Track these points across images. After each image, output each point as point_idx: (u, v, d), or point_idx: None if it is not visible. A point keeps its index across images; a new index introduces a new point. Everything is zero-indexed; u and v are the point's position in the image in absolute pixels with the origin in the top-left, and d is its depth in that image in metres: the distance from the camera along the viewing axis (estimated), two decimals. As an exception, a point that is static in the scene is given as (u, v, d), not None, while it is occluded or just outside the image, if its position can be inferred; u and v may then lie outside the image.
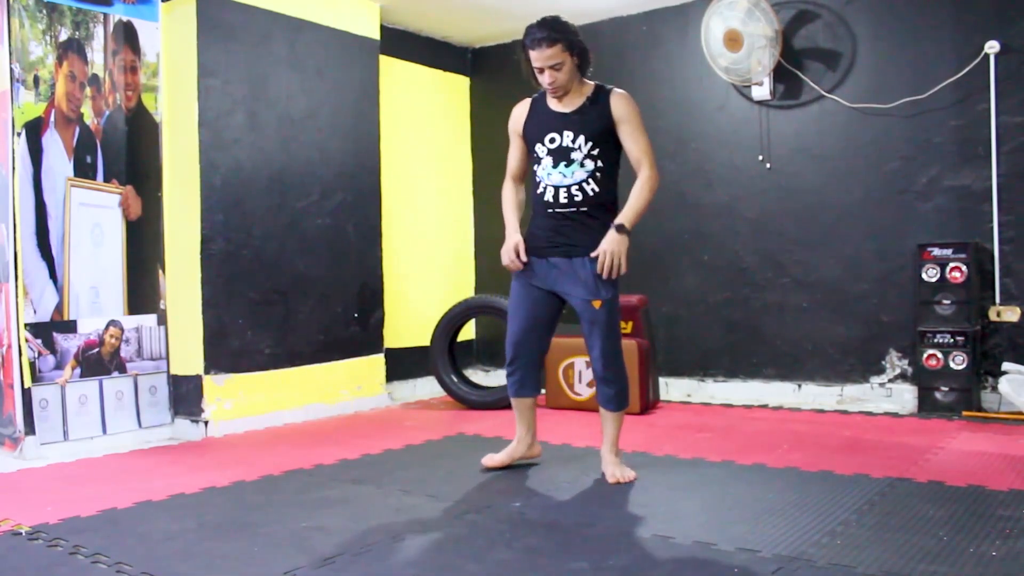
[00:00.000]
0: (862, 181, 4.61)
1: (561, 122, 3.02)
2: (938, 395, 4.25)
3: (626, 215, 2.95)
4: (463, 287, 6.00)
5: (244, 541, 2.46)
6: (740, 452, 3.49)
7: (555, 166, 3.00)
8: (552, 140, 3.02)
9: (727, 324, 5.04)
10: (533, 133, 3.09)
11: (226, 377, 4.27)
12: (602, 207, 3.01)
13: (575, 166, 2.98)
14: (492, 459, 3.27)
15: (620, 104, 3.00)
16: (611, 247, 2.92)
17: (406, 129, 5.57)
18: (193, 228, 4.20)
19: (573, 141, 2.99)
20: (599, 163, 2.99)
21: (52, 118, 3.87)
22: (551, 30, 2.92)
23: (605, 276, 2.93)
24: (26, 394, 3.74)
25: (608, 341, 3.01)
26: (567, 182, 2.99)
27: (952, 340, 4.21)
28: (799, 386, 4.81)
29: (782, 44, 4.70)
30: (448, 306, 5.16)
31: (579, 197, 2.98)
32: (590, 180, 2.98)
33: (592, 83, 3.08)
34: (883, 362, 4.56)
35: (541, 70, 2.97)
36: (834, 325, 4.70)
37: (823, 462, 3.26)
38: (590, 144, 2.98)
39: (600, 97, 3.02)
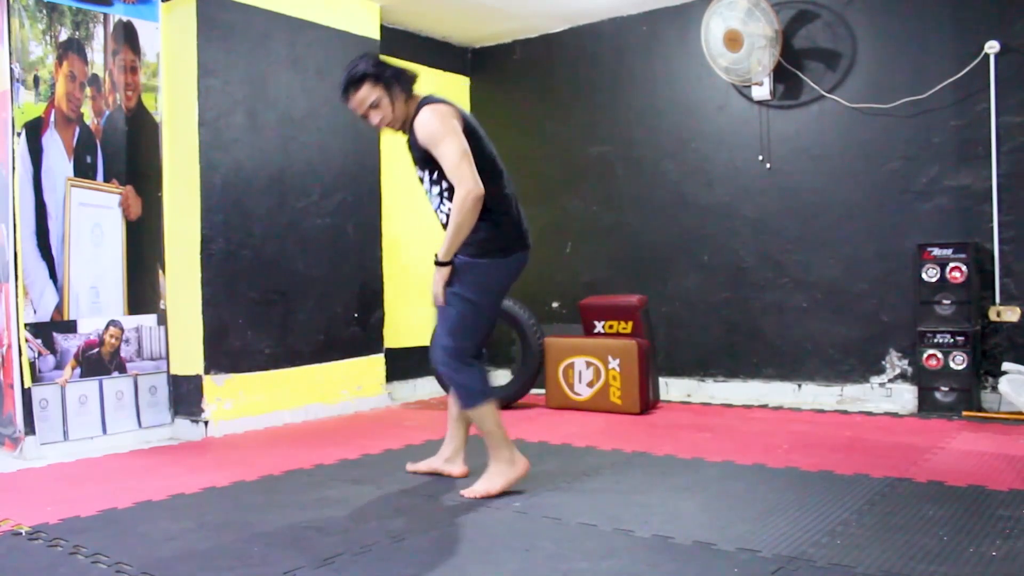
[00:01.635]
0: (862, 181, 4.61)
1: (410, 151, 2.99)
2: (938, 395, 4.25)
3: (442, 247, 2.81)
4: (463, 287, 5.99)
5: (244, 541, 2.46)
6: (740, 452, 3.49)
7: (427, 193, 2.99)
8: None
9: (727, 324, 5.04)
10: None
11: (226, 377, 4.27)
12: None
13: (431, 194, 2.94)
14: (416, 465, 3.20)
15: (418, 130, 2.82)
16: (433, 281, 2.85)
17: (406, 129, 5.56)
18: (193, 228, 4.20)
19: (420, 169, 2.95)
20: (444, 183, 2.85)
21: (52, 118, 3.87)
22: (350, 75, 2.87)
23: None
24: (26, 394, 3.74)
25: (444, 335, 2.90)
26: (435, 207, 2.96)
27: (952, 340, 4.21)
28: (799, 386, 4.81)
29: (782, 44, 4.70)
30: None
31: (444, 220, 2.91)
32: (444, 203, 2.89)
33: (417, 100, 2.91)
34: (883, 362, 4.56)
35: (364, 116, 2.90)
36: (834, 325, 4.70)
37: (823, 462, 3.26)
38: (426, 170, 2.90)
39: (413, 121, 2.88)
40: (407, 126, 2.91)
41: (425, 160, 2.86)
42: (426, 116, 2.80)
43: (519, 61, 5.91)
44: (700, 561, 2.20)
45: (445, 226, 2.86)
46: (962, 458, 3.28)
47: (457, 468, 3.18)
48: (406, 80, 2.89)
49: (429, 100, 2.88)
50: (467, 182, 2.71)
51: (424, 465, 3.24)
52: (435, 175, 2.86)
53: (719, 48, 4.70)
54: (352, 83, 2.86)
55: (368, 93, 2.85)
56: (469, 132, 2.85)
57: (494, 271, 2.88)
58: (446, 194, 2.86)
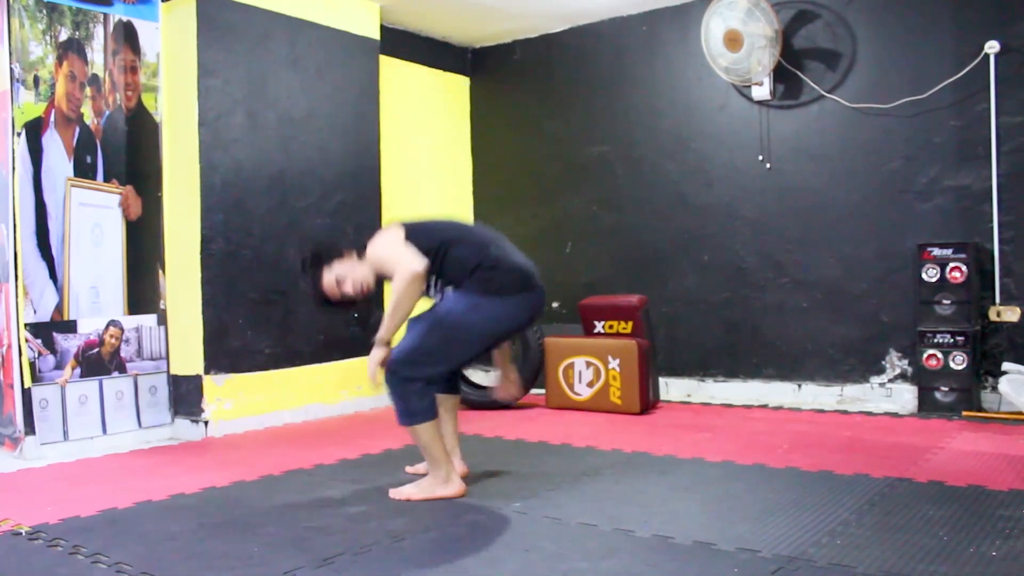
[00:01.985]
0: (862, 181, 4.61)
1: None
2: (938, 395, 4.25)
3: (382, 326, 2.86)
4: (463, 287, 5.99)
5: (244, 541, 2.46)
6: (740, 452, 3.49)
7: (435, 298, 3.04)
8: None
9: (727, 324, 5.04)
10: None
11: (226, 377, 4.27)
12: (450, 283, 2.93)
13: (434, 291, 2.99)
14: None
15: (370, 262, 2.93)
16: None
17: (406, 129, 5.56)
18: (193, 228, 4.20)
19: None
20: (435, 279, 2.92)
21: (52, 118, 3.87)
22: (310, 265, 2.95)
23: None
24: (26, 394, 3.74)
25: (406, 343, 2.91)
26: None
27: (952, 340, 4.20)
28: (799, 386, 4.81)
29: (782, 44, 4.70)
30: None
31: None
32: (440, 290, 2.95)
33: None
34: (883, 362, 4.56)
35: (343, 292, 2.97)
36: (834, 325, 4.70)
37: (823, 462, 3.26)
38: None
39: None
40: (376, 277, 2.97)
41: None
42: (372, 245, 2.92)
43: (519, 61, 5.91)
44: (700, 561, 2.20)
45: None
46: (962, 458, 3.28)
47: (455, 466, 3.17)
48: (336, 252, 2.96)
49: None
50: (403, 263, 2.78)
51: (423, 466, 3.24)
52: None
53: (719, 48, 4.70)
54: (305, 272, 2.96)
55: (328, 276, 2.93)
56: (411, 227, 2.95)
57: (487, 305, 2.85)
58: (439, 282, 2.92)
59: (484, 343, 2.94)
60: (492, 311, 2.86)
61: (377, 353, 2.84)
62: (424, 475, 3.14)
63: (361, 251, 2.96)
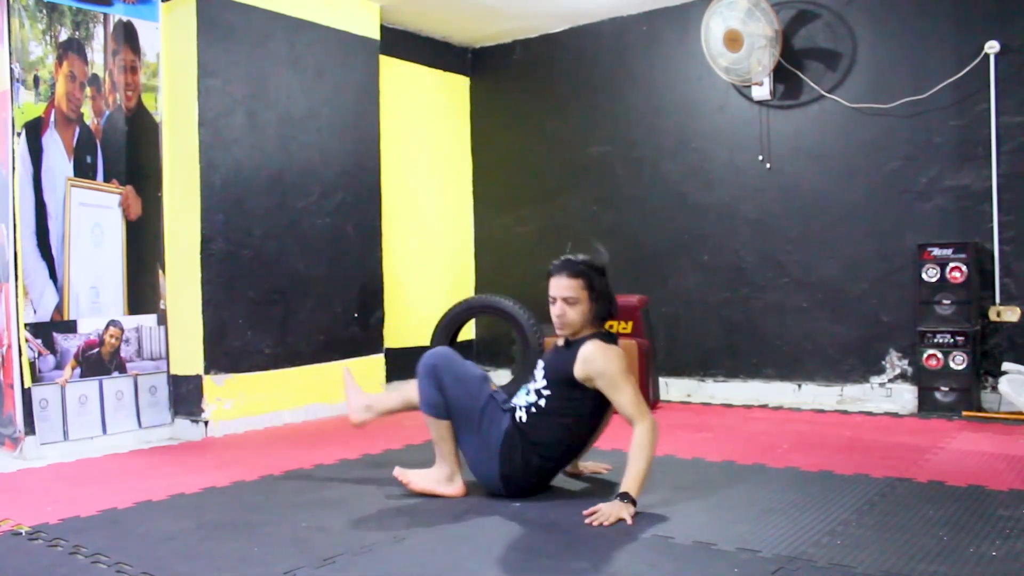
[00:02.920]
0: (862, 181, 4.61)
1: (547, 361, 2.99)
2: (938, 395, 4.25)
3: (634, 482, 2.64)
4: (463, 287, 6.00)
5: (244, 541, 2.46)
6: (740, 452, 3.48)
7: (525, 388, 2.98)
8: None
9: (727, 324, 5.04)
10: None
11: (226, 377, 4.27)
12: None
13: (527, 390, 2.92)
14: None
15: (592, 360, 2.76)
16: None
17: (406, 129, 5.57)
18: (193, 228, 4.20)
19: (543, 378, 2.91)
20: (543, 401, 2.84)
21: (52, 118, 3.87)
22: (573, 262, 2.84)
23: None
24: (26, 394, 3.74)
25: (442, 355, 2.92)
26: (521, 401, 2.91)
27: (952, 340, 4.20)
28: (799, 386, 4.81)
29: (782, 44, 4.70)
30: (448, 306, 5.15)
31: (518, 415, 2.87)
32: (528, 408, 2.85)
33: (596, 330, 2.86)
34: (883, 362, 4.56)
35: (554, 301, 2.84)
36: (834, 325, 4.70)
37: (823, 462, 3.26)
38: (551, 385, 2.85)
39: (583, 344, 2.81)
40: (574, 343, 2.84)
41: (563, 381, 2.81)
42: (607, 353, 2.76)
43: (519, 61, 5.91)
44: (700, 561, 2.20)
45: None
46: (962, 458, 3.28)
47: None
48: (610, 314, 2.86)
49: (606, 337, 2.83)
50: (650, 415, 2.72)
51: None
52: (550, 392, 2.83)
53: (719, 48, 4.70)
54: (567, 269, 2.82)
55: (575, 290, 2.80)
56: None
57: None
58: (536, 407, 2.84)
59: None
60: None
61: (625, 512, 2.57)
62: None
63: (601, 323, 2.85)
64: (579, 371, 2.76)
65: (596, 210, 5.52)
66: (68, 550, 2.41)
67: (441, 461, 2.92)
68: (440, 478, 2.92)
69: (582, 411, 2.82)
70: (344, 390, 3.24)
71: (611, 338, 2.84)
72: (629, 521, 2.52)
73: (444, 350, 2.96)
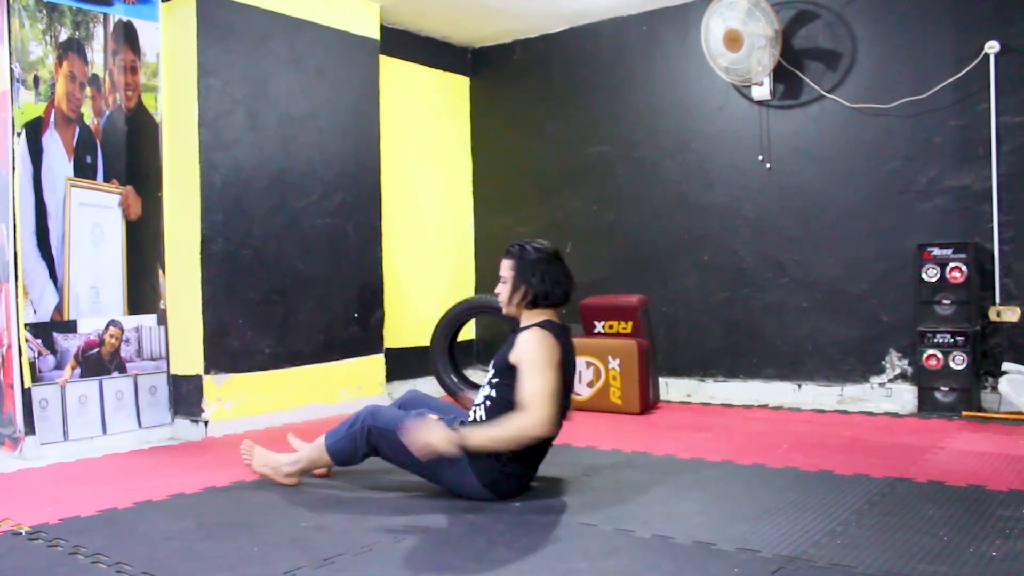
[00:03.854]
0: (862, 181, 4.61)
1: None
2: (938, 395, 4.25)
3: (471, 434, 2.68)
4: (463, 287, 6.00)
5: (244, 541, 2.46)
6: (740, 452, 3.49)
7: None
8: None
9: (727, 324, 5.04)
10: None
11: (226, 377, 4.27)
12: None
13: (481, 391, 2.93)
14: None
15: (520, 345, 2.79)
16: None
17: (406, 129, 5.57)
18: (193, 228, 4.20)
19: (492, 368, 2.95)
20: (494, 392, 2.85)
21: (52, 118, 3.87)
22: (511, 246, 2.95)
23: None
24: (26, 394, 3.74)
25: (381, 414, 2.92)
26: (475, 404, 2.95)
27: (952, 340, 4.21)
28: (799, 386, 4.81)
29: (782, 44, 4.70)
30: (448, 306, 5.16)
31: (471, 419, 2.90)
32: (480, 407, 2.87)
33: (536, 317, 2.88)
34: (883, 362, 4.56)
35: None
36: (834, 325, 4.70)
37: (823, 462, 3.26)
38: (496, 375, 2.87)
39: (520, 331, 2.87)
40: (518, 330, 2.88)
41: (506, 369, 2.81)
42: (533, 341, 2.76)
43: (519, 61, 5.91)
44: (700, 561, 2.20)
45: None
46: (962, 458, 3.28)
47: (320, 468, 3.18)
48: (542, 296, 2.86)
49: (551, 326, 2.83)
50: (545, 415, 2.69)
51: (300, 444, 3.24)
52: (499, 380, 2.84)
53: (719, 48, 4.70)
54: (507, 250, 2.95)
55: (505, 269, 2.92)
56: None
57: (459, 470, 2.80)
58: (490, 398, 2.85)
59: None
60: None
61: (445, 443, 2.63)
62: (294, 452, 3.14)
63: (554, 297, 2.87)
64: (513, 357, 2.78)
65: (596, 210, 5.52)
66: (68, 550, 2.41)
67: (293, 463, 3.05)
68: (281, 471, 3.07)
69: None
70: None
71: (556, 328, 2.83)
72: (440, 447, 2.59)
73: (382, 410, 2.91)
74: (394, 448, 2.81)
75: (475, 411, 2.88)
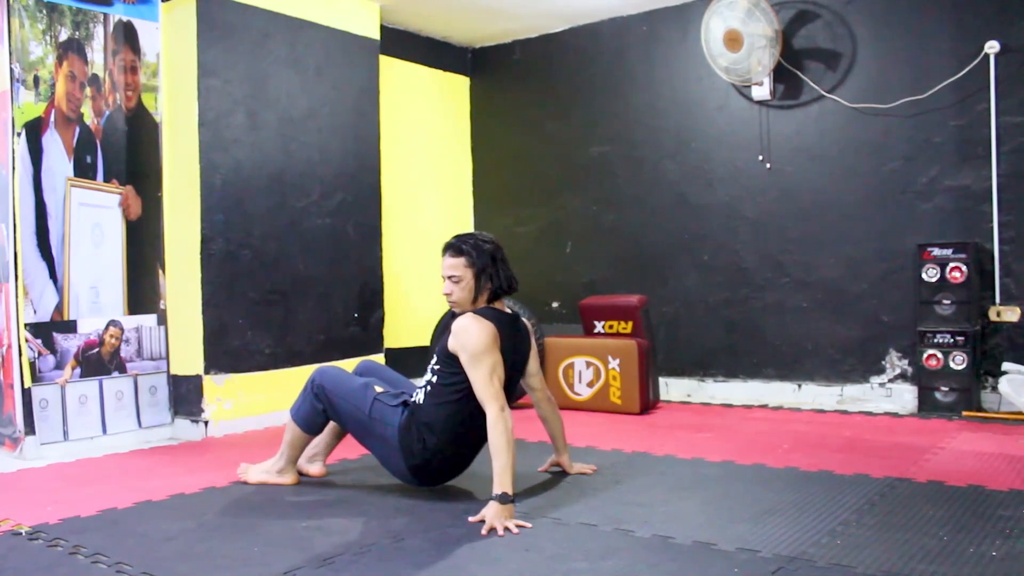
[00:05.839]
0: (862, 181, 4.61)
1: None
2: (938, 395, 4.25)
3: (500, 478, 2.61)
4: (463, 287, 5.99)
5: (244, 541, 2.46)
6: (740, 452, 3.49)
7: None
8: None
9: (727, 324, 5.04)
10: None
11: (226, 377, 4.27)
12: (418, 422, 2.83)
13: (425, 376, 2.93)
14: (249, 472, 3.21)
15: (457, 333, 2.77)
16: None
17: (406, 129, 5.57)
18: (193, 228, 4.20)
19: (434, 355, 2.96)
20: (435, 378, 2.85)
21: (52, 118, 3.87)
22: (455, 241, 2.89)
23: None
24: (26, 394, 3.74)
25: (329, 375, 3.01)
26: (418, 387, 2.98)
27: (952, 340, 4.21)
28: (799, 386, 4.81)
29: (782, 44, 4.70)
30: (448, 306, 5.14)
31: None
32: (423, 391, 2.88)
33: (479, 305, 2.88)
34: (883, 362, 4.56)
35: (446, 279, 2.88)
36: (834, 325, 4.70)
37: (823, 462, 3.26)
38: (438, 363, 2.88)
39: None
40: (457, 315, 2.87)
41: (446, 356, 2.82)
42: (471, 327, 2.75)
43: (519, 61, 5.91)
44: (700, 561, 2.20)
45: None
46: (962, 458, 3.28)
47: (316, 468, 3.25)
48: (505, 287, 2.87)
49: (487, 311, 2.84)
50: (499, 400, 2.69)
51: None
52: (439, 367, 2.85)
53: (719, 48, 4.70)
54: (451, 248, 2.88)
55: (458, 268, 2.85)
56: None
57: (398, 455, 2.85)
58: (430, 384, 2.86)
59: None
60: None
61: (500, 511, 2.54)
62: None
63: (496, 287, 2.86)
64: (451, 344, 2.79)
65: (596, 210, 5.52)
66: (68, 550, 2.41)
67: (280, 457, 3.13)
68: (272, 470, 3.14)
69: (466, 386, 2.76)
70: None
71: (492, 313, 2.82)
72: (514, 529, 2.46)
73: (329, 369, 3.02)
74: (335, 408, 2.93)
75: (418, 393, 2.90)
